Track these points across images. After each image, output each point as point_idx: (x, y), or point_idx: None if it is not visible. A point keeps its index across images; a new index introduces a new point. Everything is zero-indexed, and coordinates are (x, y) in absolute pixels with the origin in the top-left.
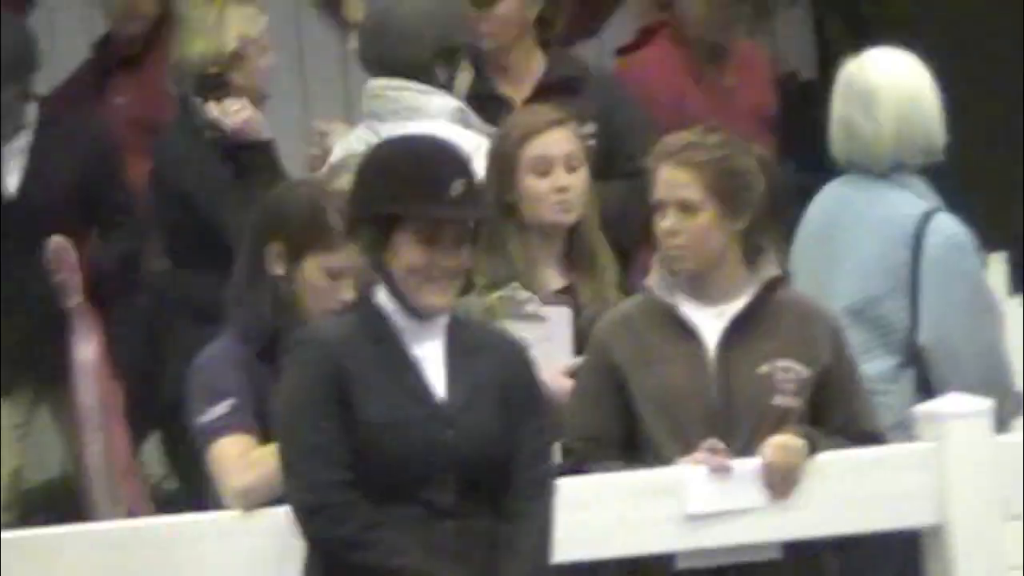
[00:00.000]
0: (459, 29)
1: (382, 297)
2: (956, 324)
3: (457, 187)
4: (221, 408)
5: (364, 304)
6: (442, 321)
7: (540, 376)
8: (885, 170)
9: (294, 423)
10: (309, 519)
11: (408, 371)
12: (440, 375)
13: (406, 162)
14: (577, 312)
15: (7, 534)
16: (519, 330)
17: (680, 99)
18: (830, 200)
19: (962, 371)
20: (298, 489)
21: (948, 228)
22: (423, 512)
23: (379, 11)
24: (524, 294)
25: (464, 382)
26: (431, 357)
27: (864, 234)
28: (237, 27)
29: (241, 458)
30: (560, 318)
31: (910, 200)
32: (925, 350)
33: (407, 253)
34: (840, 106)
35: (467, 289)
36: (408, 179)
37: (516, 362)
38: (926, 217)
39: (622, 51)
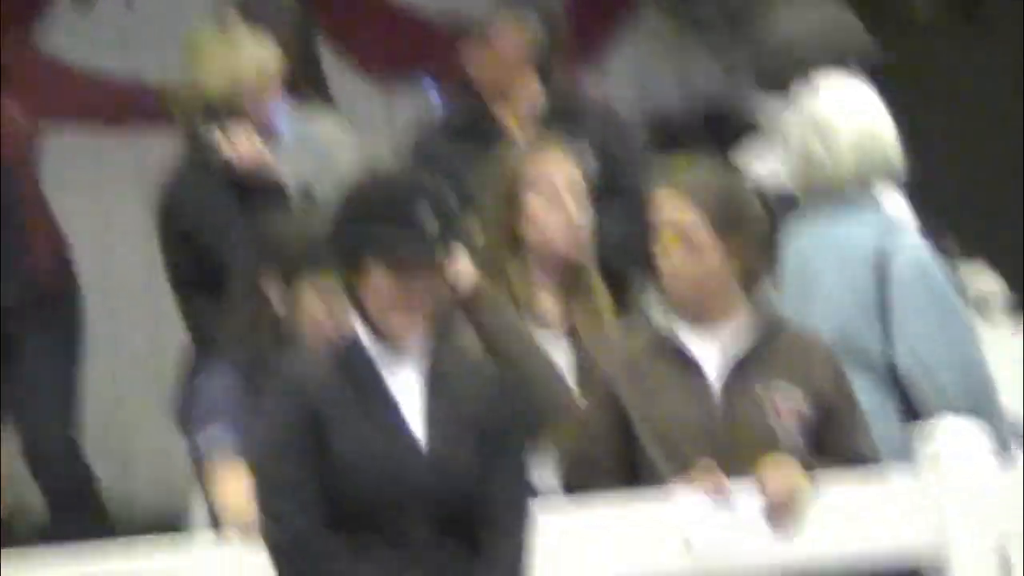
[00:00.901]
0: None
1: (358, 331)
2: (932, 345)
3: (422, 213)
4: (214, 431)
5: (339, 339)
6: (419, 351)
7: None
8: (846, 196)
9: (267, 458)
10: (282, 557)
11: (383, 406)
12: (416, 408)
13: (370, 194)
14: (574, 341)
15: None
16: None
17: None
18: (798, 235)
19: (944, 392)
20: (271, 527)
21: (911, 247)
22: (398, 548)
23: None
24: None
25: (440, 416)
26: (408, 391)
27: (830, 264)
28: (250, 57)
29: (235, 482)
30: (558, 349)
31: (870, 223)
32: (904, 375)
33: (377, 284)
34: (796, 138)
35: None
36: (371, 210)
37: (490, 389)
38: (888, 239)
39: None
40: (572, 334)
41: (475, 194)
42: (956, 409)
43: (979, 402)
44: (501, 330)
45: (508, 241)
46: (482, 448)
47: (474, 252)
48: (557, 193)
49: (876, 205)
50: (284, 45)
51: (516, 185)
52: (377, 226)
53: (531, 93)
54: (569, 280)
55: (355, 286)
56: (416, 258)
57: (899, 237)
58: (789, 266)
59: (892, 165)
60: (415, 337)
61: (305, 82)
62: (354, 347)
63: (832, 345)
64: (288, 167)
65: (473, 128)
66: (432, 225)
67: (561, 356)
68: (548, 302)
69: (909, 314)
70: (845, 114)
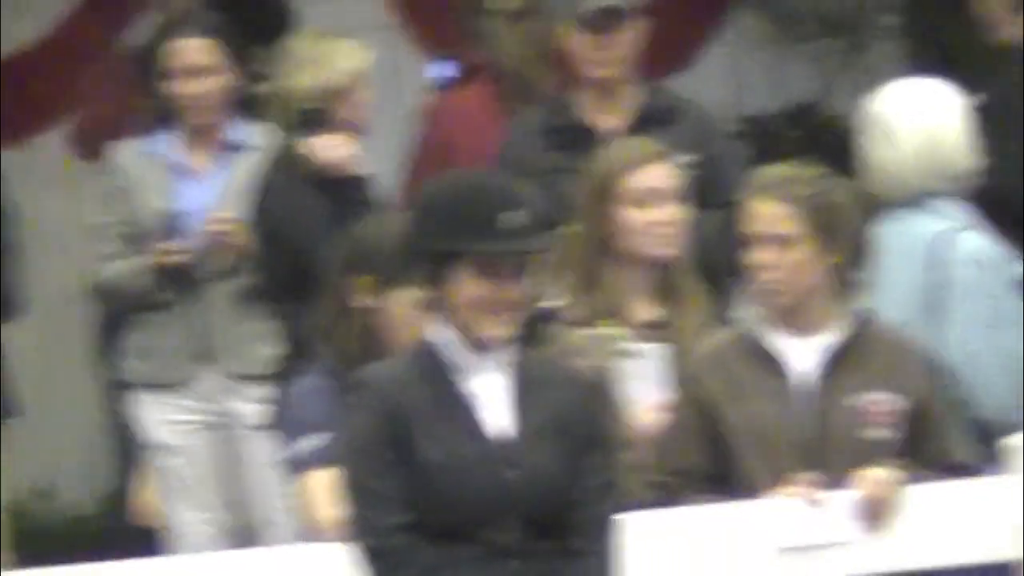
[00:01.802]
0: None
1: (440, 335)
2: (981, 341)
3: (510, 220)
4: (310, 441)
5: (420, 344)
6: (506, 355)
7: (615, 411)
8: (911, 199)
9: (355, 468)
10: (372, 563)
11: (467, 410)
12: (503, 412)
13: (460, 198)
14: (671, 347)
15: None
16: (614, 366)
17: (480, 141)
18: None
19: (991, 388)
20: (361, 534)
21: (970, 246)
22: (486, 553)
23: None
24: (618, 330)
25: (526, 419)
26: (493, 393)
27: (894, 261)
28: (344, 61)
29: (329, 491)
30: (654, 353)
31: (935, 223)
32: (954, 369)
33: (467, 287)
34: (866, 141)
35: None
36: (463, 214)
37: (582, 397)
38: (949, 237)
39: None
40: (669, 339)
41: (571, 198)
42: (1003, 407)
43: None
44: None
45: (603, 247)
46: (571, 454)
47: (567, 258)
48: (651, 199)
49: (941, 206)
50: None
51: (609, 192)
52: (467, 230)
53: (631, 94)
54: (665, 285)
55: (444, 289)
56: (506, 262)
57: (959, 236)
58: None
59: (956, 172)
60: (504, 341)
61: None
62: (439, 352)
63: None
64: None
65: (569, 130)
66: (522, 228)
67: (657, 359)
68: (644, 307)
69: (962, 310)
70: (910, 118)
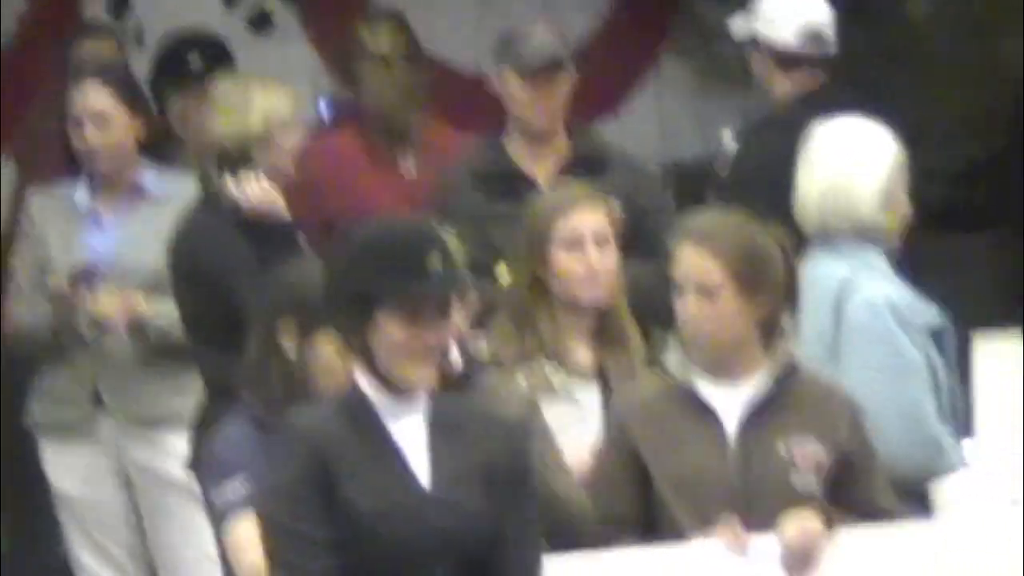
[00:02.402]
0: None
1: (362, 381)
2: (875, 388)
3: (435, 263)
4: (233, 487)
5: (345, 389)
6: (422, 399)
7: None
8: (821, 237)
9: (278, 515)
10: None
11: (392, 456)
12: (424, 458)
13: (383, 242)
14: (607, 390)
15: None
16: (550, 409)
17: (350, 184)
18: None
19: (887, 435)
20: None
21: (866, 292)
22: None
23: None
24: (554, 373)
25: (449, 464)
26: (414, 439)
27: (805, 306)
28: (264, 108)
29: (257, 537)
30: (591, 396)
31: (836, 266)
32: None
33: (389, 331)
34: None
35: (491, 364)
36: (384, 258)
37: (501, 439)
38: (848, 282)
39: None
40: (603, 380)
41: (502, 244)
42: (899, 454)
43: (925, 447)
44: None
45: (538, 291)
46: (492, 495)
47: (502, 301)
48: (584, 244)
49: (849, 248)
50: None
51: (543, 237)
52: (389, 275)
53: (561, 142)
54: (600, 327)
55: (363, 335)
56: (429, 308)
57: (858, 282)
58: None
59: (861, 218)
60: (424, 386)
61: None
62: (359, 397)
63: None
64: None
65: (501, 176)
66: (445, 272)
67: (593, 404)
68: (580, 350)
69: (856, 357)
70: (825, 155)
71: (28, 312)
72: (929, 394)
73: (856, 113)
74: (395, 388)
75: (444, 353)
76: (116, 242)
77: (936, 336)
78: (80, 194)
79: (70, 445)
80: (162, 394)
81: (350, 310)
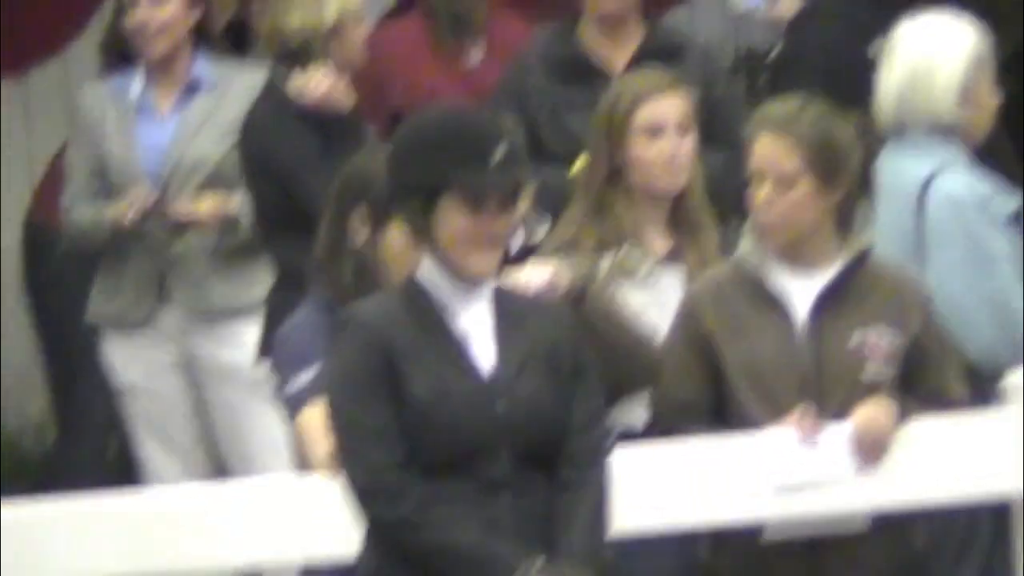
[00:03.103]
0: None
1: (425, 271)
2: (957, 281)
3: (498, 153)
4: (306, 377)
5: (408, 280)
6: (487, 289)
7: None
8: (898, 132)
9: (344, 406)
10: (365, 501)
11: (455, 345)
12: (489, 346)
13: (446, 132)
14: (686, 276)
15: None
16: (633, 293)
17: (414, 74)
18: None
19: (972, 326)
20: (352, 471)
21: (947, 188)
22: (479, 486)
23: None
24: (637, 256)
25: (512, 352)
26: (479, 327)
27: (883, 204)
28: (338, 0)
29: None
30: (672, 281)
31: (918, 163)
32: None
33: (452, 221)
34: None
35: (571, 251)
36: (449, 148)
37: (562, 328)
38: (928, 179)
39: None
40: (681, 268)
41: (575, 130)
42: (986, 343)
43: (1012, 335)
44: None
45: (614, 179)
46: (558, 383)
47: (581, 189)
48: (665, 132)
49: (928, 143)
50: None
51: (623, 125)
52: (454, 163)
53: (634, 30)
54: (677, 214)
55: (429, 222)
56: (492, 198)
57: (938, 177)
58: None
59: (937, 110)
60: (488, 274)
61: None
62: (426, 288)
63: None
64: None
65: (573, 63)
66: (507, 162)
67: (672, 288)
68: (657, 237)
69: (938, 252)
70: (906, 50)
71: (89, 210)
72: (1018, 285)
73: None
74: (460, 276)
75: (507, 242)
76: (175, 134)
77: (1017, 220)
78: (135, 87)
79: (134, 338)
80: (231, 287)
81: (414, 198)
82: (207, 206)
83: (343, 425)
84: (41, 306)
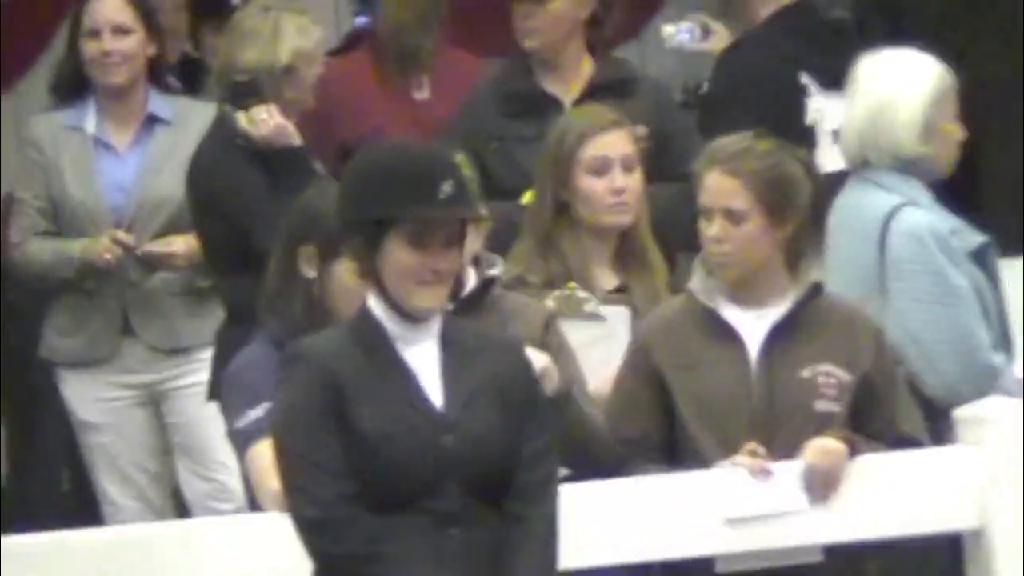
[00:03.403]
0: None
1: (374, 306)
2: (925, 319)
3: (446, 188)
4: (256, 412)
5: (358, 314)
6: (435, 324)
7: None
8: (859, 168)
9: (291, 439)
10: (314, 536)
11: (403, 379)
12: (436, 380)
13: (394, 166)
14: (633, 313)
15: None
16: (578, 329)
17: (362, 110)
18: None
19: (934, 360)
20: (300, 505)
21: (910, 221)
22: (428, 521)
23: None
24: (583, 293)
25: (461, 386)
26: (426, 362)
27: (842, 236)
28: (292, 40)
29: None
30: (619, 317)
31: (880, 198)
32: (899, 346)
33: (398, 256)
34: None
35: (513, 285)
36: (397, 182)
37: (513, 362)
38: (890, 214)
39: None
40: (629, 304)
41: (525, 164)
42: (952, 383)
43: (978, 375)
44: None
45: (562, 215)
46: (507, 417)
47: (528, 225)
48: (608, 167)
49: (890, 180)
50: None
51: (569, 161)
52: (399, 199)
53: (582, 64)
54: (624, 250)
55: (374, 259)
56: (439, 234)
57: (901, 211)
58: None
59: (900, 147)
60: (434, 310)
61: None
62: (371, 322)
63: None
64: None
65: (525, 96)
66: (455, 196)
67: (620, 325)
68: (604, 273)
69: (901, 287)
70: (866, 84)
71: (49, 245)
72: (979, 320)
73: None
74: (406, 313)
75: (452, 279)
76: (137, 172)
77: (979, 257)
78: (89, 121)
79: (94, 374)
80: (197, 323)
81: (360, 235)
82: (180, 247)
83: (291, 461)
84: None
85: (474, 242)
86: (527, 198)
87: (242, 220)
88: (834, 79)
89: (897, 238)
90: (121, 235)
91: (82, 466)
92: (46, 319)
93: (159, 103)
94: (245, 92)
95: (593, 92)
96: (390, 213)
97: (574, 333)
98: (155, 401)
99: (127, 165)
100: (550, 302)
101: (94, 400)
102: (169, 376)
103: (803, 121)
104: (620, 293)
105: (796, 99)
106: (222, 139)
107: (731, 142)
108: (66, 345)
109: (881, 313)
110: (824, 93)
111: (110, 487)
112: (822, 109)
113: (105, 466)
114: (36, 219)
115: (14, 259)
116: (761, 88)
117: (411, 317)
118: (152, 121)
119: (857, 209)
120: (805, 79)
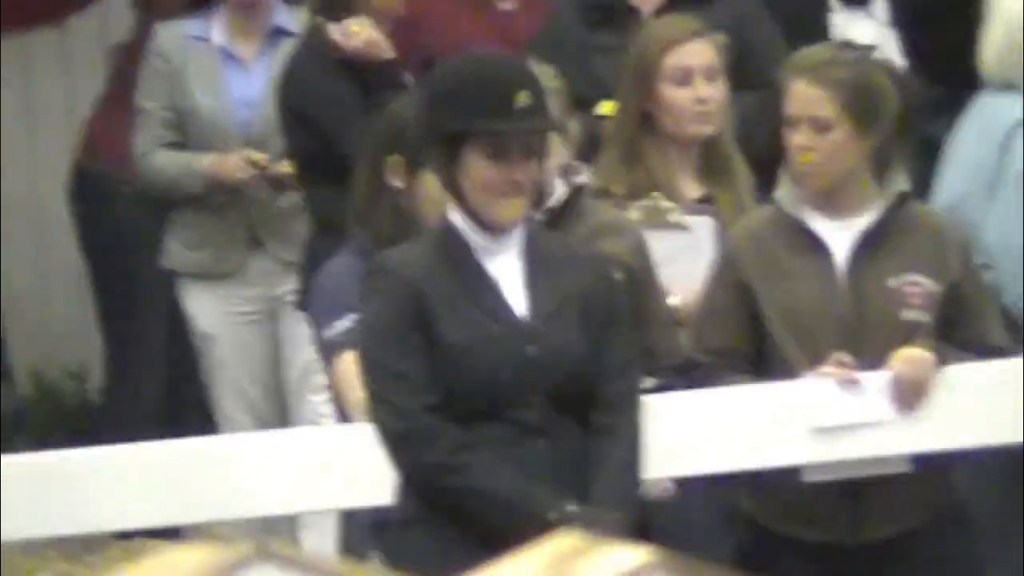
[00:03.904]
0: None
1: (456, 218)
2: (1019, 227)
3: (522, 99)
4: (344, 323)
5: (439, 227)
6: (518, 236)
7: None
8: (999, 82)
9: (377, 351)
10: (399, 446)
11: (487, 290)
12: (519, 292)
13: (470, 79)
14: (718, 222)
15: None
16: (663, 240)
17: (448, 22)
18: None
19: (1018, 275)
20: (386, 417)
21: None
22: (512, 431)
23: None
24: (667, 203)
25: (545, 297)
26: (509, 273)
27: (967, 136)
28: None
29: None
30: (703, 227)
31: (1013, 106)
32: (989, 249)
33: (476, 169)
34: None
35: (599, 196)
36: (472, 95)
37: (597, 274)
38: (1018, 122)
39: None
40: (715, 215)
41: (605, 75)
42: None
43: None
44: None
45: (645, 125)
46: (589, 329)
47: (612, 136)
48: (691, 77)
49: None
50: None
51: (651, 72)
52: (475, 111)
53: None
54: (708, 160)
55: (453, 171)
56: (515, 145)
57: None
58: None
59: None
60: (515, 222)
61: None
62: (453, 234)
63: (947, 210)
64: None
65: (606, 11)
66: (531, 108)
67: (705, 235)
68: (688, 184)
69: (1012, 195)
70: (1001, 11)
71: (176, 158)
72: None
73: None
74: (487, 225)
75: (535, 189)
76: (264, 85)
77: None
78: (216, 32)
79: (218, 287)
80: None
81: (439, 147)
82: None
83: (376, 372)
84: (95, 250)
85: (561, 152)
86: (605, 109)
87: (331, 133)
88: None
89: (1021, 147)
90: (255, 155)
91: (176, 379)
92: (169, 231)
93: (284, 15)
94: (337, 3)
95: (673, 2)
96: (466, 126)
97: (659, 243)
98: (274, 316)
99: (254, 78)
100: (634, 212)
101: (216, 312)
102: (289, 290)
103: (828, 37)
104: (705, 204)
105: (821, 14)
106: (314, 51)
107: (816, 52)
108: (193, 258)
109: (982, 214)
110: (847, 9)
111: (224, 400)
112: (844, 25)
113: (221, 378)
114: (161, 130)
115: (140, 170)
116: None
117: (492, 228)
118: (278, 33)
119: (991, 110)
120: None
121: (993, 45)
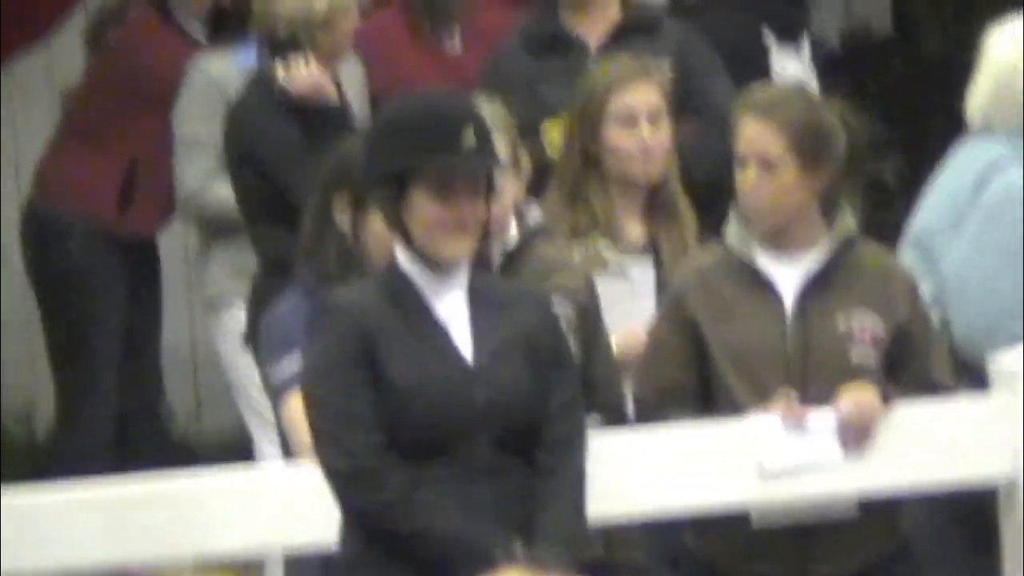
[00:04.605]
0: None
1: (403, 257)
2: (983, 266)
3: (469, 138)
4: (291, 362)
5: (388, 267)
6: (463, 275)
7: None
8: (979, 129)
9: (324, 390)
10: (345, 486)
11: (434, 331)
12: (465, 332)
13: (416, 117)
14: (659, 265)
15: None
16: (602, 285)
17: (394, 63)
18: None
19: (969, 309)
20: (333, 456)
21: (1011, 177)
22: (458, 470)
23: None
24: (607, 250)
25: (491, 338)
26: (455, 314)
27: (948, 172)
28: None
29: None
30: (643, 274)
31: (994, 148)
32: (945, 281)
33: (422, 207)
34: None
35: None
36: (418, 133)
37: (541, 314)
38: (998, 162)
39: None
40: (656, 256)
41: (552, 105)
42: (973, 331)
43: (997, 334)
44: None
45: (590, 167)
46: (535, 368)
47: (557, 176)
48: (637, 121)
49: (1013, 137)
50: None
51: (596, 114)
52: (422, 149)
53: (609, 7)
54: (652, 202)
55: (399, 210)
56: (462, 183)
57: (1008, 167)
58: None
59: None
60: (461, 260)
61: None
62: (400, 273)
63: (914, 238)
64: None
65: (551, 42)
66: (477, 146)
67: (646, 279)
68: (632, 226)
69: (977, 231)
70: (990, 62)
71: (223, 189)
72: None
73: None
74: (433, 263)
75: (481, 228)
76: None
77: None
78: (260, 61)
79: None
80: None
81: (385, 185)
82: None
83: (323, 411)
84: (46, 291)
85: (514, 189)
86: (552, 130)
87: (278, 174)
88: (788, 30)
89: (995, 185)
90: None
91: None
92: (211, 259)
93: None
94: (285, 43)
95: (618, 33)
96: (412, 163)
97: (600, 289)
98: None
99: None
100: (575, 255)
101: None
102: None
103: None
104: (649, 247)
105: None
106: (261, 92)
107: (766, 90)
108: (236, 285)
109: (945, 246)
110: (779, 46)
111: (255, 430)
112: (778, 62)
113: (253, 412)
114: (213, 161)
115: (191, 202)
116: (730, 44)
117: (439, 268)
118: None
119: (972, 150)
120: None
121: (981, 93)
